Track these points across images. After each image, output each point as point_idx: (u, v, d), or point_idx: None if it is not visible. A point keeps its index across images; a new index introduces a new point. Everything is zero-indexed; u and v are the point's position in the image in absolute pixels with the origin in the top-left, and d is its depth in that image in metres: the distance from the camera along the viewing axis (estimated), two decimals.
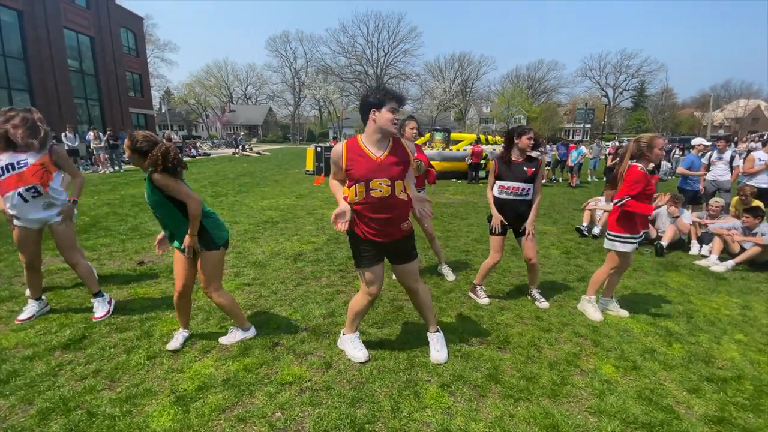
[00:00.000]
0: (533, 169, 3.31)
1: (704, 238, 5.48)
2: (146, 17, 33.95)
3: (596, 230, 6.13)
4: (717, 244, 5.04)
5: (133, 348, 2.69)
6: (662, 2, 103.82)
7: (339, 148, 2.30)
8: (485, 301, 3.57)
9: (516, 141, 3.34)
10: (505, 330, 3.07)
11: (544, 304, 3.51)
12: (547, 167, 13.60)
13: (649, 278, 4.38)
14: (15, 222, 3.00)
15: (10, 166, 2.85)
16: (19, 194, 2.89)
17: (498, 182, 3.40)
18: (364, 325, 3.06)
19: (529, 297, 3.66)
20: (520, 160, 3.35)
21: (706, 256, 5.12)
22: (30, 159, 2.90)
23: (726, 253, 5.04)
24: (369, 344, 2.78)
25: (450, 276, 4.22)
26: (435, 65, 58.94)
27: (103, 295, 3.26)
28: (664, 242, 5.31)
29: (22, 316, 3.08)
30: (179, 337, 2.75)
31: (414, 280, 2.54)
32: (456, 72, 57.61)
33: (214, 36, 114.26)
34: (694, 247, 5.48)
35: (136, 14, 27.09)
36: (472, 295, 3.68)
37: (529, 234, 3.36)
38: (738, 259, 4.79)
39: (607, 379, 2.50)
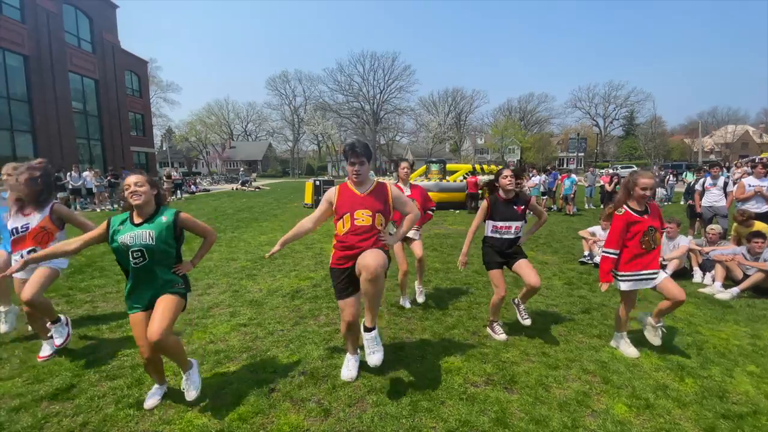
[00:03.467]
0: (522, 207, 3.39)
1: (706, 265, 5.44)
2: (150, 60, 35.21)
3: (598, 259, 6.08)
4: (720, 271, 4.98)
5: (122, 398, 2.57)
6: (646, 35, 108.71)
7: (333, 189, 2.77)
8: (502, 337, 3.47)
9: (497, 185, 3.42)
10: (511, 368, 2.96)
11: (528, 321, 3.45)
12: (544, 197, 13.68)
13: (655, 308, 4.29)
14: (18, 276, 2.98)
15: (14, 230, 2.99)
16: (22, 256, 2.97)
17: (491, 222, 3.43)
18: (364, 367, 2.93)
19: (513, 304, 3.62)
20: (509, 198, 3.39)
21: (708, 284, 5.06)
22: (32, 223, 3.00)
23: (730, 280, 4.98)
24: (369, 388, 2.67)
25: (420, 298, 4.38)
26: (429, 100, 60.75)
27: (59, 320, 3.12)
28: (669, 271, 5.25)
29: (43, 354, 3.11)
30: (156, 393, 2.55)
31: (376, 261, 2.52)
32: (450, 106, 59.33)
33: (215, 76, 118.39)
34: (697, 275, 5.42)
35: (140, 58, 28.13)
36: (488, 330, 3.60)
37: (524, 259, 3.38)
38: (742, 285, 4.72)
39: (620, 419, 2.38)
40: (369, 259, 2.40)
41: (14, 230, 2.99)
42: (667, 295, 3.10)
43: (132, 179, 2.36)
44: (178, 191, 19.85)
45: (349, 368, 2.85)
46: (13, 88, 17.40)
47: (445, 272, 5.68)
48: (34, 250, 2.96)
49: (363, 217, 2.59)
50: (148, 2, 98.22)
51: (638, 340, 3.41)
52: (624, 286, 3.14)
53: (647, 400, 2.57)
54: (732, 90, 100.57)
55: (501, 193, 3.41)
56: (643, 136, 55.13)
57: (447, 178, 15.16)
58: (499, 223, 3.39)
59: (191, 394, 2.44)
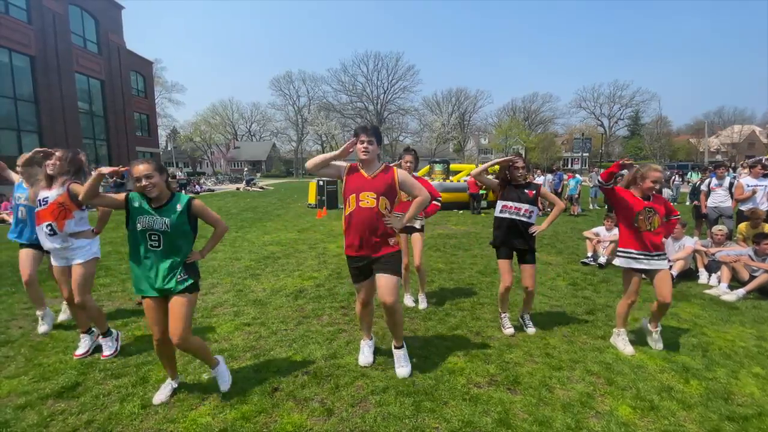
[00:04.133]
0: (534, 192, 3.48)
1: (711, 266, 5.40)
2: (155, 61, 35.43)
3: (602, 260, 6.05)
4: (726, 272, 4.94)
5: (127, 396, 2.59)
6: (652, 35, 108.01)
7: (345, 164, 2.85)
8: (508, 331, 3.56)
9: (509, 177, 3.51)
10: (514, 369, 2.95)
11: (531, 330, 3.60)
12: None
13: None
14: (52, 261, 3.25)
15: (39, 201, 3.08)
16: (41, 229, 3.09)
17: (501, 201, 3.52)
18: (367, 368, 2.96)
19: (519, 320, 3.71)
20: (520, 184, 3.50)
21: (714, 286, 5.02)
22: (51, 197, 3.05)
23: (736, 281, 4.94)
24: (372, 388, 2.68)
25: (423, 304, 4.26)
26: (433, 100, 60.55)
27: (111, 333, 3.24)
28: (674, 272, 5.22)
29: (79, 351, 3.16)
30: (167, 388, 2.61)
31: (386, 294, 2.70)
32: (453, 106, 59.07)
33: (220, 77, 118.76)
34: (703, 276, 5.38)
35: (145, 59, 28.31)
36: (500, 322, 3.71)
37: (532, 260, 3.47)
38: (749, 287, 4.69)
39: (624, 421, 2.37)
40: (385, 294, 2.67)
41: (39, 201, 3.08)
42: (656, 291, 3.18)
43: (141, 169, 2.30)
44: (183, 191, 19.98)
45: (365, 354, 3.03)
46: (19, 89, 17.56)
47: (449, 273, 5.67)
48: (50, 226, 3.05)
49: (368, 199, 2.68)
50: (153, 3, 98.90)
51: (644, 341, 3.39)
52: (617, 261, 3.30)
53: (652, 402, 2.56)
54: (738, 90, 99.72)
55: (513, 181, 3.52)
56: (648, 136, 54.79)
57: (450, 178, 15.13)
58: (510, 203, 3.46)
59: (223, 387, 2.60)
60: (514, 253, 3.52)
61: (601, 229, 6.55)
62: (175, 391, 2.61)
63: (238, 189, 26.14)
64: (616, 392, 2.67)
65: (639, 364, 3.06)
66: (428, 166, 15.77)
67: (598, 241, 6.33)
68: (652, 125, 56.23)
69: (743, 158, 36.59)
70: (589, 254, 6.30)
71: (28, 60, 17.86)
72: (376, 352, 3.14)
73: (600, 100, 63.05)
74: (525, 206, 3.43)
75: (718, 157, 48.46)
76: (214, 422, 2.32)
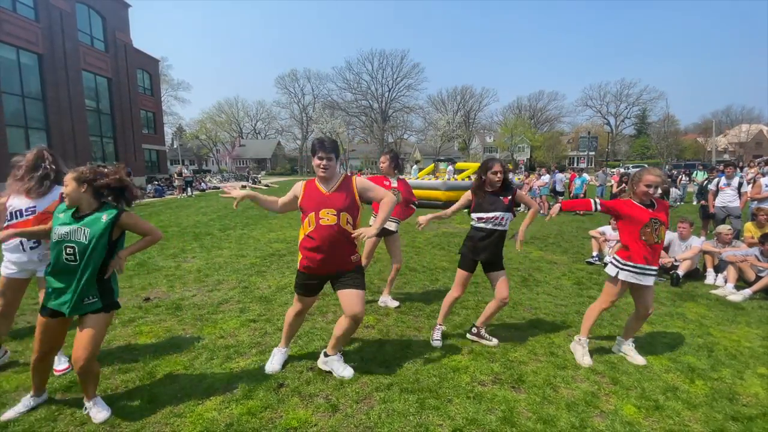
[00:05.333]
0: (509, 197, 3.17)
1: (719, 266, 5.36)
2: (162, 59, 35.60)
3: (608, 259, 6.02)
4: (732, 272, 4.91)
5: (135, 390, 2.62)
6: (656, 34, 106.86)
7: (300, 184, 2.77)
8: (436, 343, 3.32)
9: (484, 179, 3.20)
10: (518, 368, 2.96)
11: (494, 341, 3.33)
12: (560, 196, 13.63)
13: (666, 309, 4.26)
14: (4, 271, 2.82)
15: (18, 213, 2.72)
16: (21, 242, 2.73)
17: (475, 214, 3.23)
18: (371, 365, 2.98)
19: (473, 335, 3.42)
20: (496, 190, 3.20)
21: (720, 286, 4.98)
22: (40, 206, 2.74)
23: (742, 281, 4.90)
24: (377, 385, 2.69)
25: (392, 303, 4.21)
26: (438, 98, 60.56)
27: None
28: (681, 272, 5.19)
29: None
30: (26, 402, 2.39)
31: (357, 305, 2.64)
32: (458, 104, 59.05)
33: (225, 75, 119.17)
34: (710, 276, 5.34)
35: (152, 57, 28.47)
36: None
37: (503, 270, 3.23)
38: (755, 287, 4.65)
39: (629, 420, 2.37)
40: (356, 305, 2.62)
41: (18, 213, 2.71)
42: (640, 301, 3.05)
43: (66, 177, 2.20)
44: (189, 188, 20.10)
45: (273, 362, 2.91)
46: (27, 87, 17.69)
47: (453, 271, 5.67)
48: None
49: (328, 217, 2.58)
50: (160, 1, 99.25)
51: (649, 342, 3.38)
52: (623, 276, 2.98)
53: (657, 402, 2.55)
54: (746, 88, 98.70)
55: (487, 186, 3.20)
56: (656, 135, 54.28)
57: (455, 176, 15.11)
58: (485, 214, 3.18)
59: (100, 416, 2.31)
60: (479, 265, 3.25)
61: (607, 228, 6.52)
62: (34, 408, 2.40)
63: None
64: (621, 391, 2.67)
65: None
66: (433, 164, 15.76)
67: (604, 240, 6.31)
68: (659, 124, 55.66)
69: (750, 158, 36.13)
70: (595, 253, 6.28)
71: (35, 58, 17.99)
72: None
73: (606, 98, 62.76)
74: (502, 214, 3.14)
75: (726, 157, 47.97)
76: (220, 417, 2.34)
